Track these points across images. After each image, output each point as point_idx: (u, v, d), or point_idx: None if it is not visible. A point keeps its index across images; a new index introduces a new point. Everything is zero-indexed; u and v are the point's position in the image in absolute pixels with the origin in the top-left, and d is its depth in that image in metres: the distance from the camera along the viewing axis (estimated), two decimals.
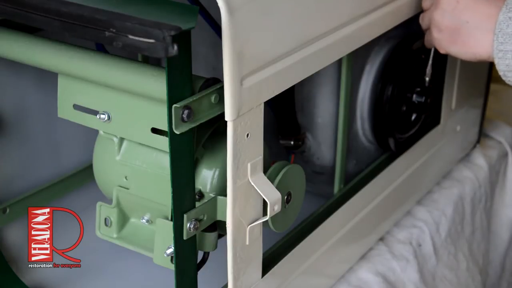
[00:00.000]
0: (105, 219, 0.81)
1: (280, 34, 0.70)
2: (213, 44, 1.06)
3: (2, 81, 0.95)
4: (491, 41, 0.80)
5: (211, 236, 0.75)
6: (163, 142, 0.72)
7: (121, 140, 0.80)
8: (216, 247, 0.76)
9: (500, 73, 0.81)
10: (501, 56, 0.79)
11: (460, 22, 0.84)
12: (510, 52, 0.78)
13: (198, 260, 0.76)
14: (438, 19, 0.86)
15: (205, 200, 0.74)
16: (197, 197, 0.74)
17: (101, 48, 0.94)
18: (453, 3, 0.84)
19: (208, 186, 0.76)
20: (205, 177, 0.76)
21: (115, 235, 0.82)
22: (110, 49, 0.98)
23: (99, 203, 0.82)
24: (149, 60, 1.08)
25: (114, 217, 0.81)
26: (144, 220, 0.80)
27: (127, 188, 0.80)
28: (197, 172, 0.75)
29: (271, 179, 0.75)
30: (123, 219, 0.81)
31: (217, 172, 0.76)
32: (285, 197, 0.77)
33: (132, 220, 0.82)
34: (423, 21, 0.93)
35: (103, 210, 0.81)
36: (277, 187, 0.75)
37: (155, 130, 0.73)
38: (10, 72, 0.95)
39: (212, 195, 0.75)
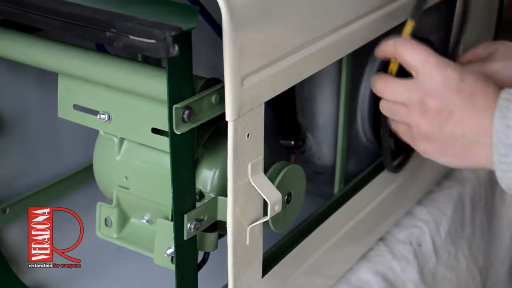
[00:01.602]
0: (105, 219, 0.81)
1: (281, 34, 0.70)
2: (214, 44, 1.06)
3: (2, 81, 0.95)
4: (490, 154, 0.70)
5: (212, 236, 0.75)
6: (164, 142, 0.72)
7: (121, 140, 0.80)
8: (216, 247, 0.76)
9: (503, 186, 0.71)
10: (505, 168, 0.69)
11: (453, 135, 0.73)
12: None
13: (199, 260, 0.76)
14: (427, 130, 0.74)
15: (205, 200, 0.74)
16: (197, 197, 0.74)
17: (101, 48, 0.94)
18: (445, 114, 0.72)
19: (209, 186, 0.76)
20: (206, 177, 0.76)
21: (115, 235, 0.82)
22: (110, 49, 0.98)
23: (99, 203, 0.82)
24: (149, 60, 1.08)
25: (114, 217, 0.81)
26: (144, 220, 0.80)
27: (127, 188, 0.80)
28: (198, 172, 0.75)
29: (272, 179, 0.75)
30: (123, 219, 0.81)
31: (217, 172, 0.76)
32: (285, 197, 0.77)
33: (132, 220, 0.82)
34: (385, 111, 0.80)
35: (103, 210, 0.81)
36: (278, 187, 0.75)
37: (155, 130, 0.73)
38: (10, 72, 0.95)
39: (212, 195, 0.75)
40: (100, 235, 0.82)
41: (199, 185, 0.75)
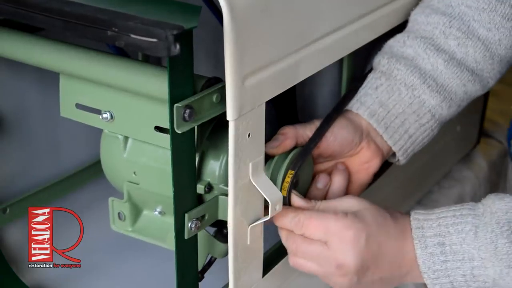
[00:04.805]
0: (119, 213, 0.81)
1: (282, 34, 0.70)
2: (215, 44, 1.06)
3: (3, 81, 0.95)
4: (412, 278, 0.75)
5: (224, 246, 0.75)
6: (167, 140, 0.72)
7: (126, 137, 0.80)
8: (225, 255, 0.76)
9: None
10: (439, 287, 0.73)
11: (372, 281, 0.75)
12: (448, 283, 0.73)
13: (205, 263, 0.76)
14: (349, 285, 0.75)
15: (215, 192, 0.74)
16: (206, 189, 0.73)
17: (114, 49, 0.93)
18: (363, 270, 0.74)
19: (217, 177, 0.75)
20: (213, 169, 0.75)
21: (130, 228, 0.81)
22: (108, 49, 0.98)
23: (110, 198, 0.80)
24: (149, 59, 1.08)
25: (126, 211, 0.80)
26: (156, 212, 0.80)
27: (137, 183, 0.79)
28: (205, 165, 0.75)
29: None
30: (136, 212, 0.80)
31: (223, 162, 0.75)
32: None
33: (145, 212, 0.81)
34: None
35: (115, 205, 0.80)
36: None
37: (158, 128, 0.73)
38: (11, 72, 0.95)
39: (221, 186, 0.74)
40: (116, 229, 0.81)
41: (207, 177, 0.75)
